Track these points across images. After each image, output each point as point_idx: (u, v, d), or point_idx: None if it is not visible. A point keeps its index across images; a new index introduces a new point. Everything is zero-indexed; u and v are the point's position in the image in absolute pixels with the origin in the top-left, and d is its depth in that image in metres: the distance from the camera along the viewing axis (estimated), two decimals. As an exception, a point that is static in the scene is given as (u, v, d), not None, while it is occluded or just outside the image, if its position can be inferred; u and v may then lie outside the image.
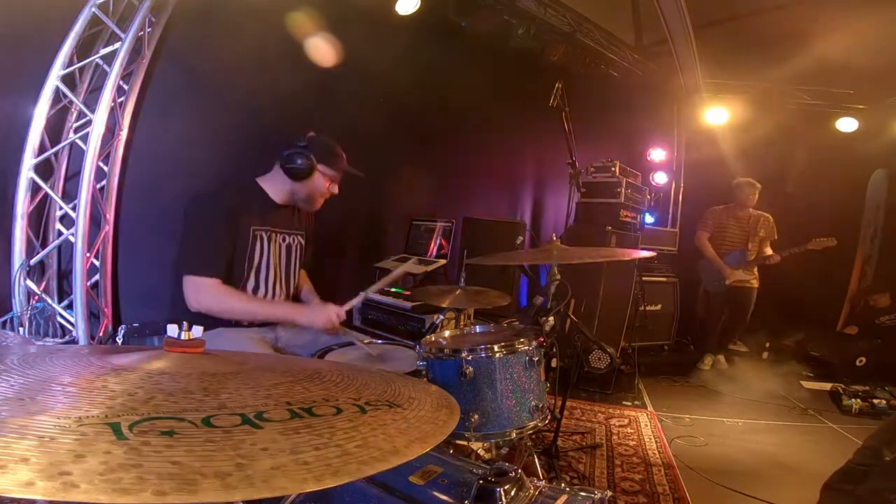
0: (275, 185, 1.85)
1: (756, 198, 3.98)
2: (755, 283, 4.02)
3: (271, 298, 1.85)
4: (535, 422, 1.54)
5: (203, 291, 1.64)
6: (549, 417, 1.61)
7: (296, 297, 2.00)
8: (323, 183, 1.85)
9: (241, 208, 1.74)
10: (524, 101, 4.02)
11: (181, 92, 2.80)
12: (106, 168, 2.62)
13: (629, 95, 5.09)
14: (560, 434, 2.36)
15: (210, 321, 1.62)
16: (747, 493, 2.12)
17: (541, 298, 2.02)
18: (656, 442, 2.68)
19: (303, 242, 1.98)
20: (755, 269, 4.01)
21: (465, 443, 1.56)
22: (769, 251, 3.95)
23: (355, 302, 1.87)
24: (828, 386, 3.53)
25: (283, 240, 1.89)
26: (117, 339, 2.60)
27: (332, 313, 1.74)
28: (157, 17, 2.62)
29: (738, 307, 4.04)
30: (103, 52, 2.49)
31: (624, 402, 3.30)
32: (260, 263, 1.80)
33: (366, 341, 1.86)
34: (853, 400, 3.19)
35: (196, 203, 1.73)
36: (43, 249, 2.46)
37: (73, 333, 2.49)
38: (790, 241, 3.92)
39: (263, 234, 1.80)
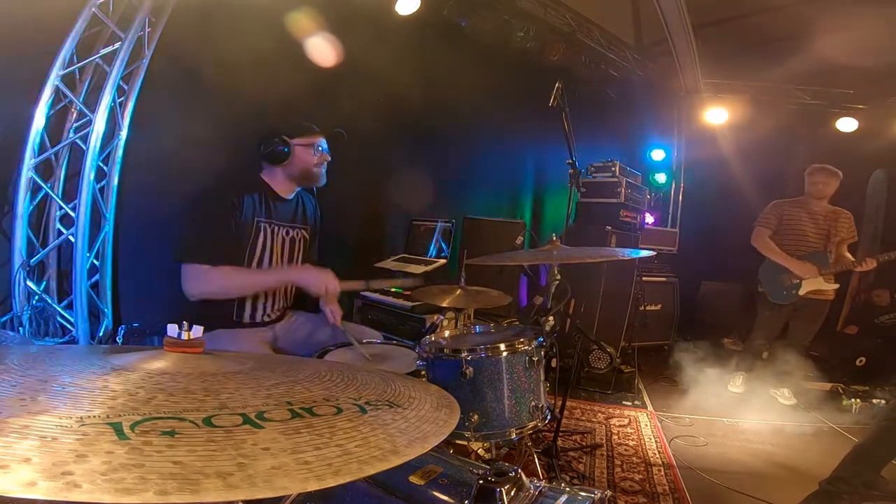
0: (275, 178, 1.87)
1: (834, 189, 3.29)
2: (832, 295, 3.28)
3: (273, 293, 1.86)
4: (535, 422, 1.54)
5: (196, 276, 1.65)
6: (548, 417, 1.61)
7: (298, 293, 2.00)
8: (307, 155, 1.85)
9: (245, 200, 1.76)
10: (524, 101, 4.02)
11: (181, 92, 2.80)
12: (106, 168, 2.63)
13: (629, 95, 5.09)
14: (560, 434, 2.36)
15: (209, 321, 1.63)
16: (747, 493, 2.12)
17: (541, 298, 2.02)
18: (656, 442, 2.68)
19: (306, 237, 2.00)
20: (833, 276, 3.27)
21: (465, 443, 1.56)
22: (848, 255, 3.27)
23: (353, 286, 1.88)
24: (828, 386, 3.53)
25: (287, 233, 1.90)
26: (117, 339, 2.61)
27: (328, 280, 1.76)
28: (157, 18, 2.62)
29: (807, 322, 3.33)
30: (103, 52, 2.49)
31: (624, 402, 3.30)
32: (262, 255, 1.82)
33: (364, 341, 1.87)
34: (853, 400, 3.19)
35: (201, 195, 1.75)
36: (43, 249, 2.46)
37: (73, 333, 2.49)
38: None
39: (266, 226, 1.82)
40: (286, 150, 1.81)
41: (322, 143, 1.89)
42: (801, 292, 3.24)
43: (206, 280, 1.65)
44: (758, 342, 3.51)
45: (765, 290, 3.39)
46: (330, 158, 1.92)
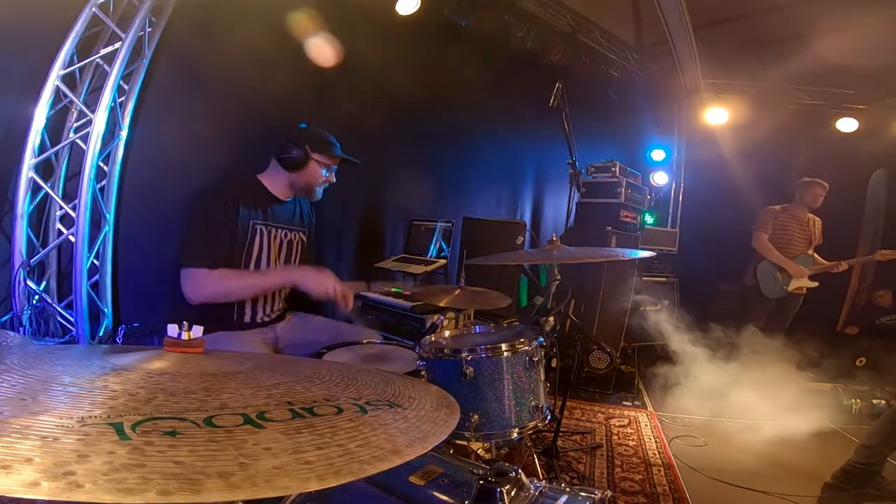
0: (274, 180, 1.86)
1: (822, 201, 3.75)
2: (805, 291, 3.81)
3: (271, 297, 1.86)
4: (535, 422, 1.54)
5: (198, 281, 1.64)
6: (548, 417, 1.62)
7: (295, 292, 2.00)
8: (319, 171, 1.86)
9: (241, 202, 1.75)
10: (524, 101, 4.02)
11: (181, 92, 2.80)
12: (106, 168, 2.63)
13: (629, 95, 5.09)
14: (560, 434, 2.36)
15: (209, 323, 1.63)
16: (748, 487, 2.12)
17: (541, 298, 2.03)
18: (656, 442, 2.69)
19: (304, 239, 1.99)
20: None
21: (465, 443, 1.57)
22: (819, 258, 3.77)
23: (354, 287, 1.86)
24: (828, 386, 3.53)
25: (285, 235, 1.90)
26: (117, 339, 2.61)
27: (329, 281, 1.74)
28: (157, 17, 2.62)
29: (785, 313, 3.86)
30: (103, 52, 2.49)
31: (624, 402, 3.30)
32: (259, 257, 1.81)
33: (364, 341, 1.87)
34: (853, 400, 3.19)
35: (197, 198, 1.74)
36: (43, 249, 2.46)
37: (73, 333, 2.49)
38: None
39: (263, 228, 1.81)
40: (303, 160, 1.81)
41: (335, 166, 1.90)
42: (789, 288, 3.75)
43: (205, 284, 1.64)
44: (751, 327, 3.81)
45: (759, 284, 3.86)
46: (334, 181, 1.93)
